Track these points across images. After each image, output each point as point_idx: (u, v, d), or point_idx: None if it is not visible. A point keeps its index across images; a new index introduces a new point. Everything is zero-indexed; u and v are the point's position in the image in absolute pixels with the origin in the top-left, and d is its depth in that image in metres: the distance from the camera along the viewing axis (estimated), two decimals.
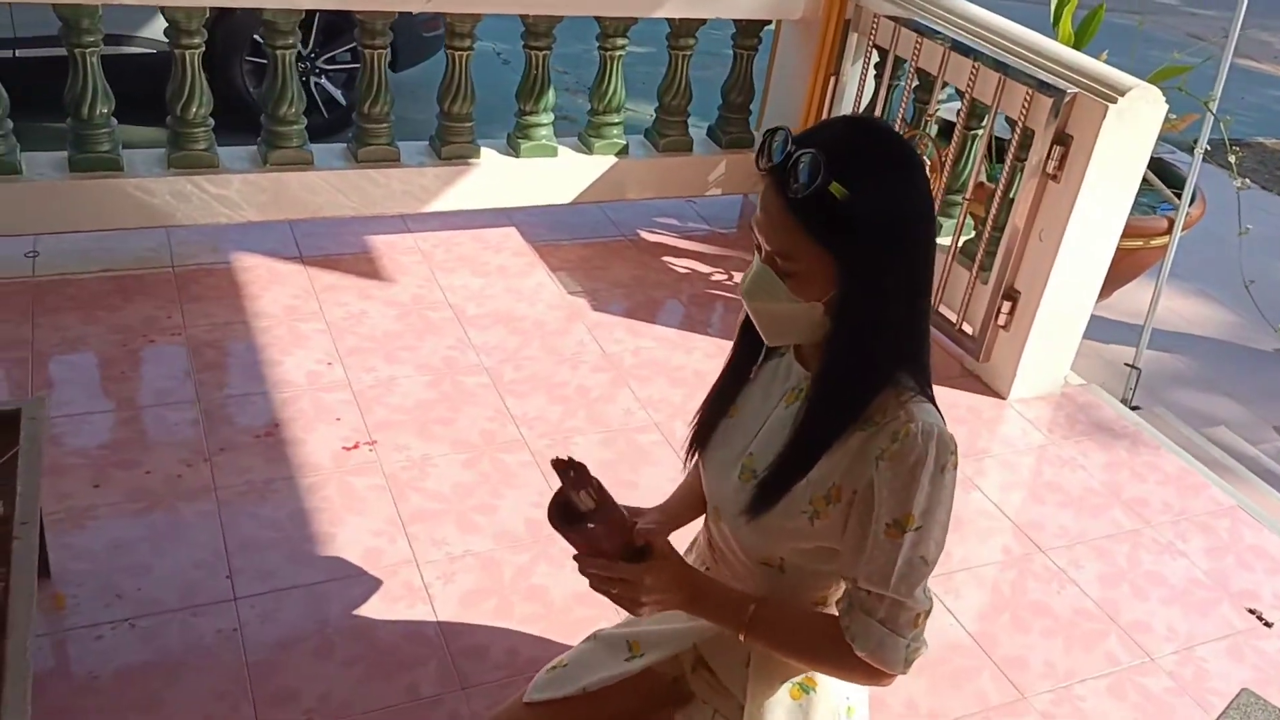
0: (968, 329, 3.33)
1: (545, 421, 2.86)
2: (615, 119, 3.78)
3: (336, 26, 5.06)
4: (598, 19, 3.63)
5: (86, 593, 2.15)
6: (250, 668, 2.04)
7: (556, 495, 1.39)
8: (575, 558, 1.41)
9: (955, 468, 1.33)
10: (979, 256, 3.24)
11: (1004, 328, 3.20)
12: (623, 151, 3.83)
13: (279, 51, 3.29)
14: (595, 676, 1.62)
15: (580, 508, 1.35)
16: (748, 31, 3.83)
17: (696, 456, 1.59)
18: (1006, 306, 3.16)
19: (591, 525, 1.36)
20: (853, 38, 3.67)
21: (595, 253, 3.79)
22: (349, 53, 5.09)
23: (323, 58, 5.15)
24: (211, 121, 3.32)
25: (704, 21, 3.72)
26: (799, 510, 1.38)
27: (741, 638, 1.42)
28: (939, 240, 3.44)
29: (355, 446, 2.67)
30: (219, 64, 4.88)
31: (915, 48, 3.32)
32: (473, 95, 3.55)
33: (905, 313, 1.32)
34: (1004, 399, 3.24)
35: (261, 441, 2.65)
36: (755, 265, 1.34)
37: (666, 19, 3.70)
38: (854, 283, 1.28)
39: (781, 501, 1.38)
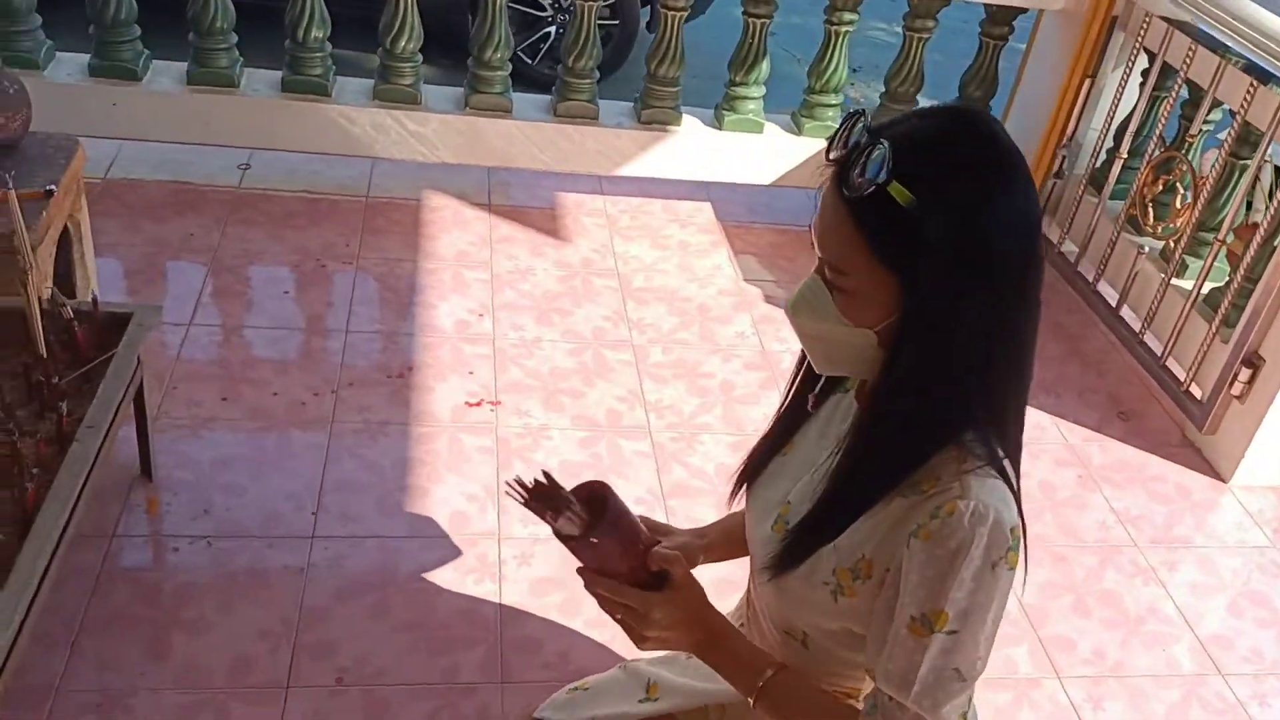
0: (1196, 392, 2.83)
1: (676, 412, 2.67)
2: (832, 100, 3.49)
3: None
4: None
5: (180, 503, 2.19)
6: (303, 611, 2.00)
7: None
8: (579, 571, 1.22)
9: (1013, 568, 1.05)
10: (1223, 309, 2.73)
11: (1239, 398, 2.68)
12: None
13: None
14: (607, 711, 1.45)
15: (566, 532, 1.16)
16: (999, 18, 3.42)
17: (744, 493, 1.37)
18: (1245, 374, 2.64)
19: (595, 540, 1.17)
20: (1118, 37, 3.19)
21: (788, 241, 3.53)
22: (609, 9, 4.98)
23: None
24: (420, 58, 3.33)
25: (947, 2, 3.34)
26: (821, 580, 1.14)
27: (751, 703, 1.20)
28: (1179, 282, 2.94)
29: (478, 404, 2.60)
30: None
31: (1187, 55, 2.82)
32: (681, 59, 3.37)
33: (980, 361, 1.04)
34: (1224, 482, 2.73)
35: (391, 382, 2.63)
36: (809, 276, 1.10)
37: None
38: (915, 313, 1.02)
39: (804, 565, 1.15)
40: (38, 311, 1.78)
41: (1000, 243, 1.00)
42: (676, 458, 2.53)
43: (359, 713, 1.84)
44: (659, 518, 2.35)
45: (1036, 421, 2.81)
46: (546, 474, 1.15)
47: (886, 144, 0.99)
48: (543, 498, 1.14)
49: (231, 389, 2.52)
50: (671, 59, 3.35)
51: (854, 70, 5.61)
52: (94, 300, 1.96)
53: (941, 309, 1.02)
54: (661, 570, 1.20)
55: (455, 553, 2.19)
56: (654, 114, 3.43)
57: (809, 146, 3.50)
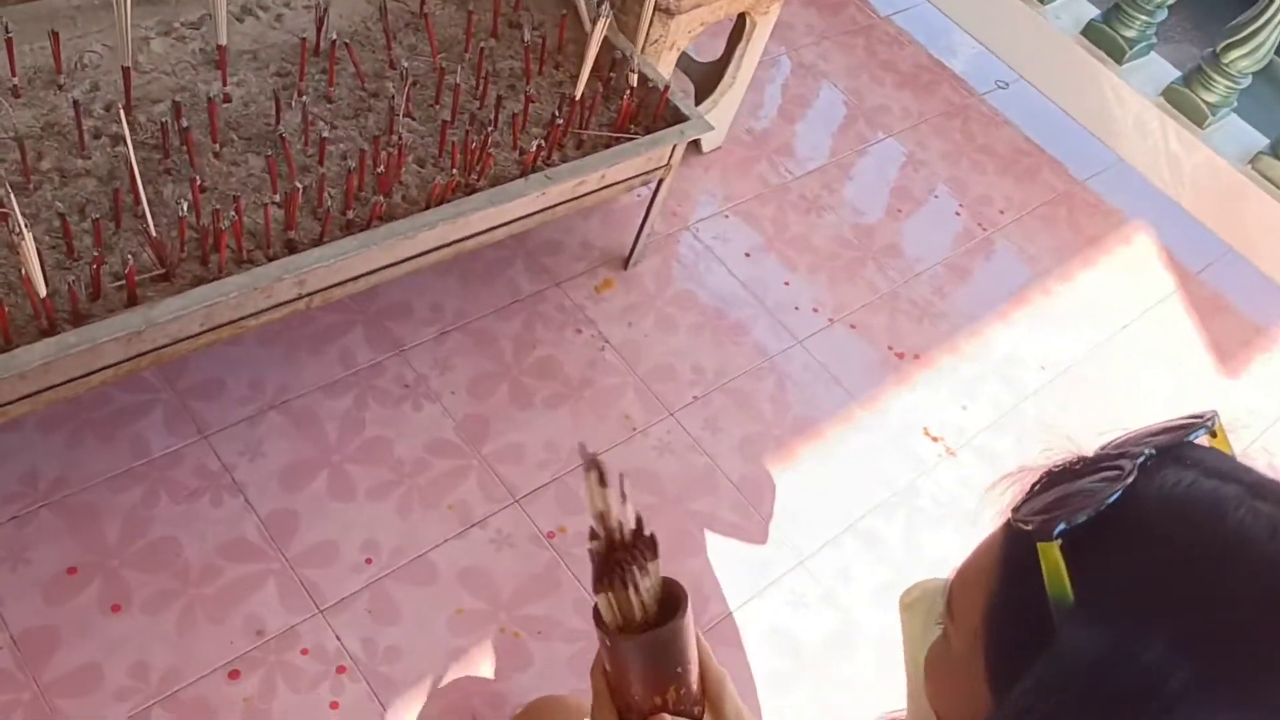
0: None
1: None
2: None
3: None
4: None
5: (620, 302, 2.22)
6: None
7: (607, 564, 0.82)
8: (594, 663, 0.94)
9: None
10: None
11: None
12: None
13: None
14: None
15: (613, 616, 0.82)
16: None
17: None
18: None
19: (612, 647, 0.84)
20: None
21: None
22: None
23: None
24: (1245, 81, 2.67)
25: None
26: None
27: None
28: None
29: (936, 439, 2.21)
30: None
31: None
32: None
33: None
34: None
35: (887, 355, 2.33)
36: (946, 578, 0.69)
37: None
38: None
39: None
40: (592, 57, 1.83)
41: None
42: None
43: None
44: None
45: None
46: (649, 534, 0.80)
47: (1132, 473, 0.52)
48: (625, 551, 0.79)
49: (760, 247, 2.44)
50: None
51: None
52: (665, 87, 1.96)
53: None
54: None
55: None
56: None
57: None
